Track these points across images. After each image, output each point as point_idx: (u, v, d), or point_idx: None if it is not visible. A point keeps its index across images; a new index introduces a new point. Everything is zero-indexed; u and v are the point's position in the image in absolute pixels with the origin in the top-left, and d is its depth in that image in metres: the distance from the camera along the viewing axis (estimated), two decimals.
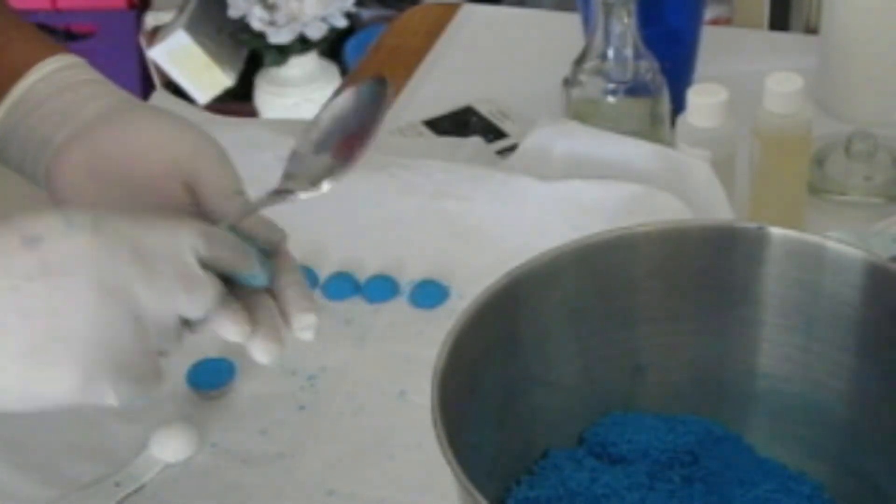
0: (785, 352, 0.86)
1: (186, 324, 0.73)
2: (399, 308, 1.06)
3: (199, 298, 0.72)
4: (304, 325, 0.78)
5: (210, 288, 0.72)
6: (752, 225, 0.85)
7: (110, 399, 0.71)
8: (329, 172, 0.77)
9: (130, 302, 0.70)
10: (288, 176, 0.78)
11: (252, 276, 0.75)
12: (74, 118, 0.83)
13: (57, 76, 0.86)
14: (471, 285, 0.98)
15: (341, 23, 2.45)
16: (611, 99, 1.15)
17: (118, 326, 0.70)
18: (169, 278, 0.71)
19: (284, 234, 0.80)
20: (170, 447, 0.94)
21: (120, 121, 0.83)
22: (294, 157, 0.79)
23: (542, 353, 0.84)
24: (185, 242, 0.72)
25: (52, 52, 0.87)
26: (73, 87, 0.85)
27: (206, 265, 0.73)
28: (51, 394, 0.70)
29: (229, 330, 0.75)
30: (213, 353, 1.01)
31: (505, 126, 1.27)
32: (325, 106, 0.80)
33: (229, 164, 0.82)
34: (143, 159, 0.81)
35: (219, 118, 1.24)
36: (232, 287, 0.75)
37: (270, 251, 0.78)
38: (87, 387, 0.70)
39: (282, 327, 0.78)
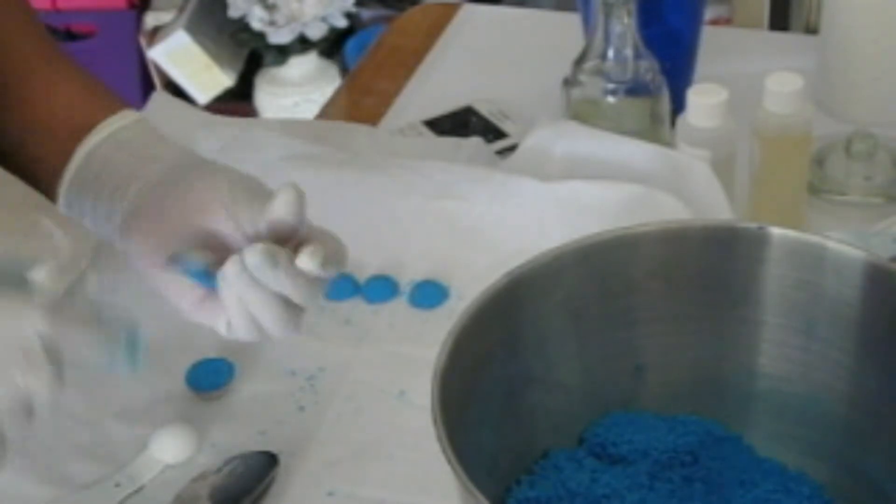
0: (785, 352, 0.86)
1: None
2: (399, 308, 1.06)
3: (34, 380, 0.72)
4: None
5: (45, 370, 0.72)
6: (752, 225, 0.85)
7: None
8: None
9: None
10: None
11: (106, 364, 0.76)
12: (139, 180, 0.86)
13: (119, 137, 0.88)
14: (471, 285, 0.98)
15: (341, 23, 2.45)
16: (611, 99, 1.15)
17: None
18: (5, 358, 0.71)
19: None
20: (170, 448, 0.94)
21: (179, 181, 0.85)
22: None
23: (542, 353, 0.84)
24: (27, 322, 0.72)
25: (112, 110, 0.89)
26: (135, 150, 0.87)
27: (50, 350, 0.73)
28: None
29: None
30: (212, 354, 1.01)
31: (505, 126, 1.27)
32: None
33: (257, 202, 0.83)
34: (201, 212, 0.83)
35: (219, 118, 1.24)
36: None
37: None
38: None
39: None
